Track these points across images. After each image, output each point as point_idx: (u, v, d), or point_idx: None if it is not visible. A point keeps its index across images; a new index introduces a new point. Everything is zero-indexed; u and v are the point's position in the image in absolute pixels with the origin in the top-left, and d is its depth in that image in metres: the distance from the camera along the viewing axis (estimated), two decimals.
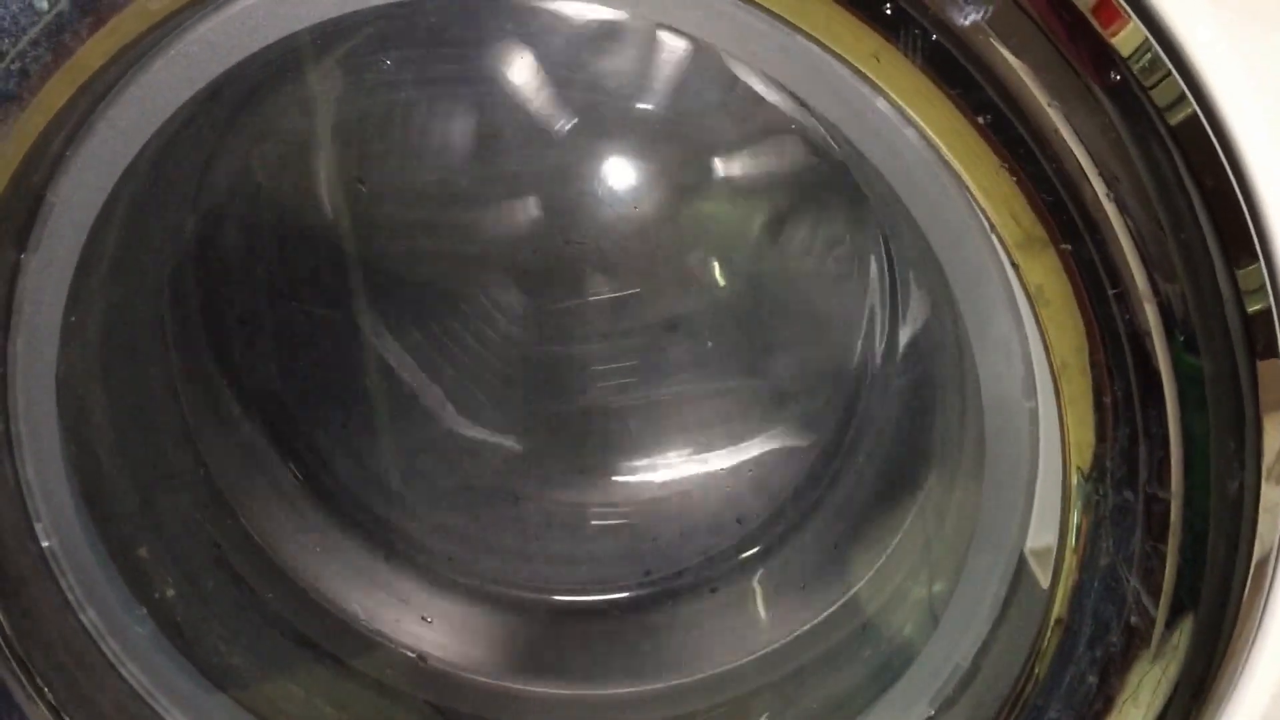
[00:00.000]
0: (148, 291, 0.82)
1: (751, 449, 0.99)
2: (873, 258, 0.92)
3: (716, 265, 0.98)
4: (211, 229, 0.85)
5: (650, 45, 0.84)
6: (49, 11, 0.57)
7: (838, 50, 0.56)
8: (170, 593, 0.80)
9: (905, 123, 0.58)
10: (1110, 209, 0.57)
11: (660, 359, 0.98)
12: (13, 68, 0.58)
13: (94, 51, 0.59)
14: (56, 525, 0.73)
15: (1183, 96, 0.55)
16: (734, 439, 0.99)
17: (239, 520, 0.88)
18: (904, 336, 0.90)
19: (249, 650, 0.84)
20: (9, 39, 0.57)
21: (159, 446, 0.85)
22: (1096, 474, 0.61)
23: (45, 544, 0.73)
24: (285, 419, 0.93)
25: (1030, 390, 0.64)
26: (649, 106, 0.89)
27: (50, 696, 0.71)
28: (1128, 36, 0.55)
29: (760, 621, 0.92)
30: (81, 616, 0.74)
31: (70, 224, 0.66)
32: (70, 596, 0.74)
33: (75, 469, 0.73)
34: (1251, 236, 0.56)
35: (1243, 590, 0.61)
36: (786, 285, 0.96)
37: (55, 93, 0.60)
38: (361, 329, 0.94)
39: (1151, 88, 0.55)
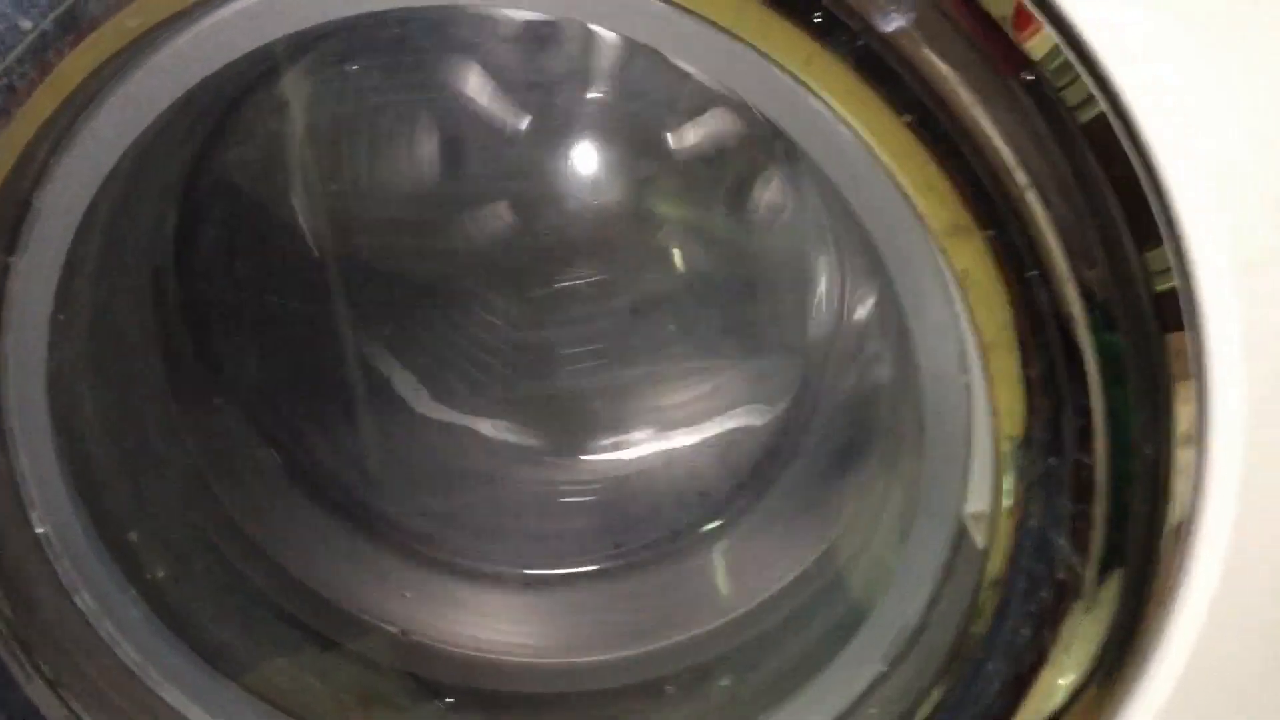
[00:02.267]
0: (131, 289, 0.85)
1: (713, 427, 1.03)
2: (823, 242, 0.96)
3: (676, 249, 1.02)
4: (191, 228, 0.88)
5: (596, 42, 0.87)
6: (33, 31, 0.60)
7: (772, 55, 0.60)
8: (160, 574, 0.83)
9: (838, 120, 0.62)
10: (1030, 197, 0.61)
11: (624, 343, 1.02)
12: (0, 84, 0.62)
13: (75, 67, 0.62)
14: (50, 512, 0.76)
15: (1091, 97, 0.59)
16: (696, 418, 1.03)
17: (223, 505, 0.91)
18: (855, 317, 0.94)
19: (236, 627, 0.87)
20: None
21: (145, 436, 0.88)
22: (1025, 443, 0.64)
23: (40, 530, 0.76)
24: (266, 407, 0.96)
25: (964, 366, 0.67)
26: (600, 96, 0.93)
27: (49, 674, 0.74)
28: (1040, 42, 0.59)
29: (723, 590, 0.96)
30: (76, 599, 0.77)
31: (56, 228, 0.69)
32: (65, 580, 0.77)
33: (66, 459, 0.76)
34: (1157, 222, 0.61)
35: (1163, 547, 0.66)
36: (743, 269, 1.00)
37: (39, 106, 0.63)
38: (337, 321, 0.98)
39: (1063, 88, 0.59)
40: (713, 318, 1.03)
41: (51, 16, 0.60)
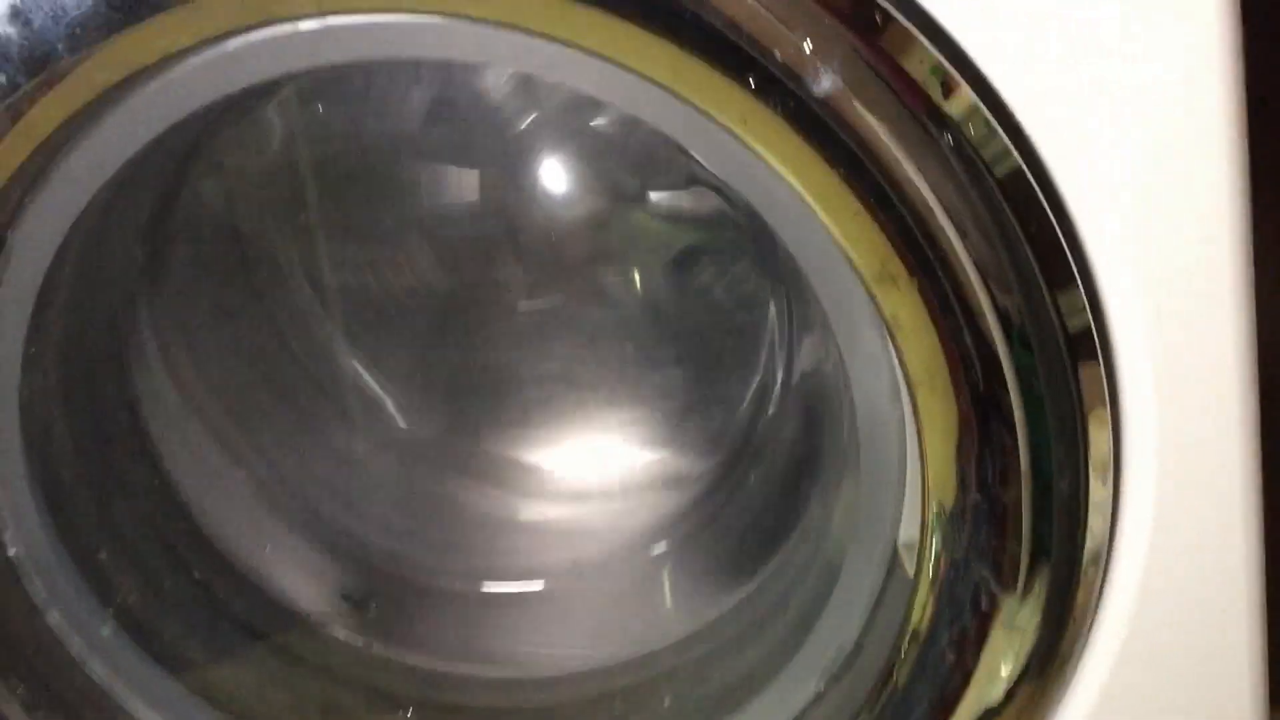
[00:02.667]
0: (102, 319, 0.87)
1: (667, 454, 1.07)
2: (772, 277, 1.00)
3: (634, 280, 1.05)
4: (161, 258, 0.91)
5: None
6: (5, 82, 0.63)
7: (710, 113, 0.63)
8: (128, 591, 0.86)
9: (774, 174, 0.65)
10: (955, 246, 0.64)
11: (583, 369, 1.05)
12: None
13: (46, 116, 0.65)
14: (21, 534, 0.78)
15: (1007, 151, 0.63)
16: (651, 442, 1.07)
17: (194, 522, 0.93)
18: (803, 349, 0.97)
19: (204, 643, 0.89)
20: None
21: (116, 459, 0.90)
22: (951, 478, 0.68)
23: (11, 552, 0.78)
24: (235, 428, 0.98)
25: (896, 399, 0.71)
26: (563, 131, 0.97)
27: (21, 692, 0.78)
28: (959, 100, 0.63)
29: (671, 611, 0.99)
30: (47, 617, 0.80)
31: (29, 263, 0.72)
32: (36, 600, 0.79)
33: (38, 483, 0.79)
34: (1070, 264, 0.65)
35: (1081, 577, 0.69)
36: (698, 299, 1.04)
37: (12, 151, 0.66)
38: (305, 342, 1.01)
39: (980, 145, 0.63)
40: (667, 346, 1.06)
41: (22, 69, 0.63)
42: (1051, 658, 0.71)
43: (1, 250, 0.72)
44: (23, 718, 0.77)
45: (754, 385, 1.03)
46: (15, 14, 0.62)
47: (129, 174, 0.73)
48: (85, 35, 0.62)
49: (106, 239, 0.82)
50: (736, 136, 0.64)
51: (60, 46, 0.62)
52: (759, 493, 1.00)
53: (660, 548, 1.02)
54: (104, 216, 0.78)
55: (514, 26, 0.63)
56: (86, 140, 0.69)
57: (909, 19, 0.63)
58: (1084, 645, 0.72)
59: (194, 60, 0.66)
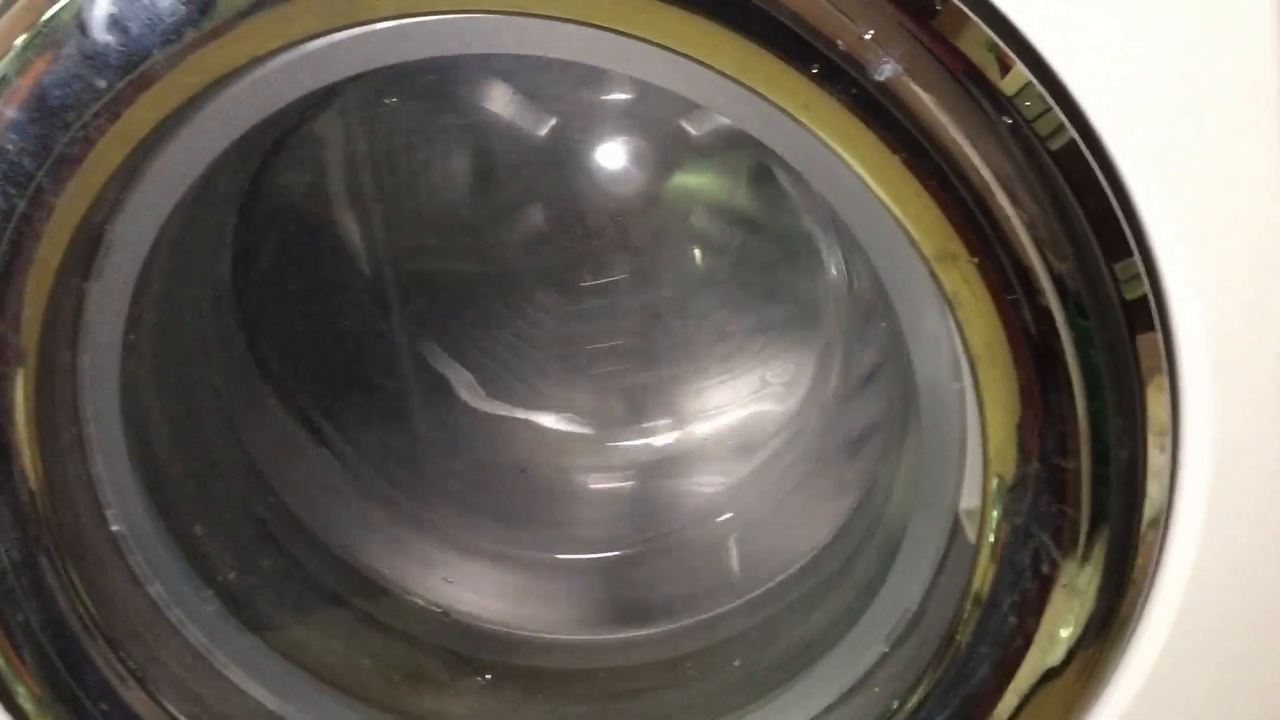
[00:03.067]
0: (192, 307, 0.91)
1: (730, 420, 1.10)
2: (834, 250, 1.02)
3: (697, 248, 1.08)
4: (247, 248, 0.95)
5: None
6: (107, 88, 0.67)
7: (775, 100, 0.65)
8: (222, 564, 0.90)
9: (837, 157, 0.67)
10: (1014, 224, 0.66)
11: (648, 337, 1.08)
12: (78, 135, 0.68)
13: (142, 118, 0.68)
14: (124, 512, 0.82)
15: (1062, 126, 0.65)
16: (715, 411, 1.10)
17: (280, 499, 0.98)
18: (861, 319, 1.00)
19: (293, 611, 0.94)
20: (75, 113, 0.67)
21: (206, 438, 0.95)
22: (1011, 448, 0.70)
23: (115, 528, 0.82)
24: (317, 408, 1.02)
25: (957, 374, 0.73)
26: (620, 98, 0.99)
27: (126, 659, 0.81)
28: (1014, 78, 0.65)
29: (738, 575, 1.02)
30: (149, 589, 0.84)
31: (127, 256, 0.76)
32: (139, 572, 0.83)
33: (137, 462, 0.82)
34: (1126, 235, 0.67)
35: (1139, 543, 0.71)
36: (759, 274, 1.06)
37: (111, 152, 0.69)
38: (381, 326, 1.05)
39: (1034, 120, 0.65)
40: (730, 319, 1.09)
41: (121, 75, 0.66)
42: (1111, 621, 0.73)
43: (101, 245, 0.75)
44: (128, 681, 0.81)
45: (816, 356, 1.06)
46: (114, 22, 0.65)
47: (216, 169, 0.76)
48: (179, 41, 0.65)
49: (196, 231, 0.86)
50: (800, 123, 0.66)
51: (156, 52, 0.66)
52: (822, 460, 1.03)
53: (727, 515, 1.05)
54: (194, 210, 0.81)
55: (584, 22, 0.66)
56: (178, 139, 0.73)
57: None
58: (1142, 609, 0.74)
59: (277, 61, 0.70)
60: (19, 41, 0.67)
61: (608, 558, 1.05)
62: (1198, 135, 0.65)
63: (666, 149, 1.02)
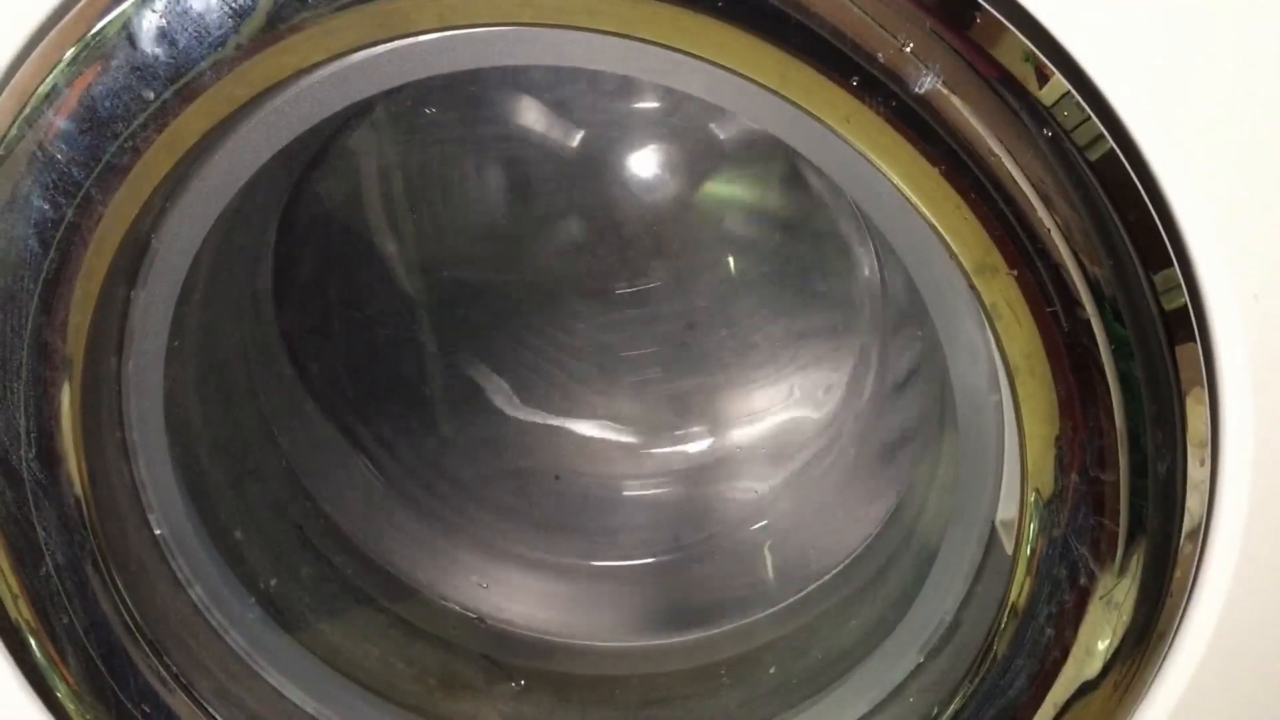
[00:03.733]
0: (233, 314, 0.93)
1: (765, 427, 1.10)
2: (869, 259, 1.02)
3: (730, 257, 1.08)
4: (286, 256, 0.96)
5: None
6: (155, 100, 0.68)
7: (815, 113, 0.66)
8: (262, 569, 0.91)
9: (876, 170, 0.67)
10: (1054, 238, 0.66)
11: (683, 346, 1.09)
12: (126, 145, 0.69)
13: (189, 129, 0.69)
14: (166, 516, 0.83)
15: (1100, 136, 0.65)
16: (749, 419, 1.10)
17: (317, 504, 0.99)
18: (896, 326, 1.00)
19: (330, 616, 0.94)
20: (123, 123, 0.68)
21: (246, 445, 0.96)
22: (1049, 460, 0.70)
23: (158, 532, 0.83)
24: (354, 415, 1.03)
25: (995, 385, 0.73)
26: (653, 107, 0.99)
27: (168, 662, 0.82)
28: (1052, 88, 0.65)
29: (773, 582, 1.02)
30: (190, 592, 0.85)
31: (171, 265, 0.77)
32: (180, 576, 0.84)
33: (179, 467, 0.84)
34: (1166, 245, 0.66)
35: (1177, 556, 0.71)
36: (793, 282, 1.06)
37: (158, 162, 0.70)
38: (418, 332, 1.05)
39: (1073, 130, 0.65)
40: (767, 320, 1.09)
41: (169, 87, 0.67)
42: (1148, 634, 0.72)
43: (146, 253, 0.76)
44: (169, 684, 0.82)
45: (851, 363, 1.06)
46: (162, 35, 0.66)
47: (259, 179, 0.77)
48: (225, 54, 0.66)
49: (238, 240, 0.87)
50: (840, 135, 0.66)
51: (203, 64, 0.67)
52: (858, 468, 1.03)
53: (762, 522, 1.05)
54: (236, 219, 0.82)
55: (626, 35, 0.66)
56: (223, 149, 0.74)
57: (1000, 10, 0.65)
58: (1180, 622, 0.73)
59: (321, 73, 0.70)
60: (69, 53, 0.68)
61: (643, 564, 1.06)
62: (1238, 144, 0.65)
63: (699, 156, 1.03)
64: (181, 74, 0.67)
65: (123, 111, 0.68)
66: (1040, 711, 0.74)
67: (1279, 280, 0.67)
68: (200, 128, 0.69)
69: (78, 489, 0.77)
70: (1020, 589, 0.73)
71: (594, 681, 0.99)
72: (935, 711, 0.78)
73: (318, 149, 0.91)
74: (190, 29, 0.66)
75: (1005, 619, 0.74)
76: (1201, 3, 0.63)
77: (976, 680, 0.77)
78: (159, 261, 0.77)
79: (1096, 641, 0.73)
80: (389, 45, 0.69)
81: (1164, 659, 0.74)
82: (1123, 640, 0.72)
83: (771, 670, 0.93)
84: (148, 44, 0.67)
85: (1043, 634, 0.73)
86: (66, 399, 0.75)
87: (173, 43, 0.66)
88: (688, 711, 0.95)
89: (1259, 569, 0.72)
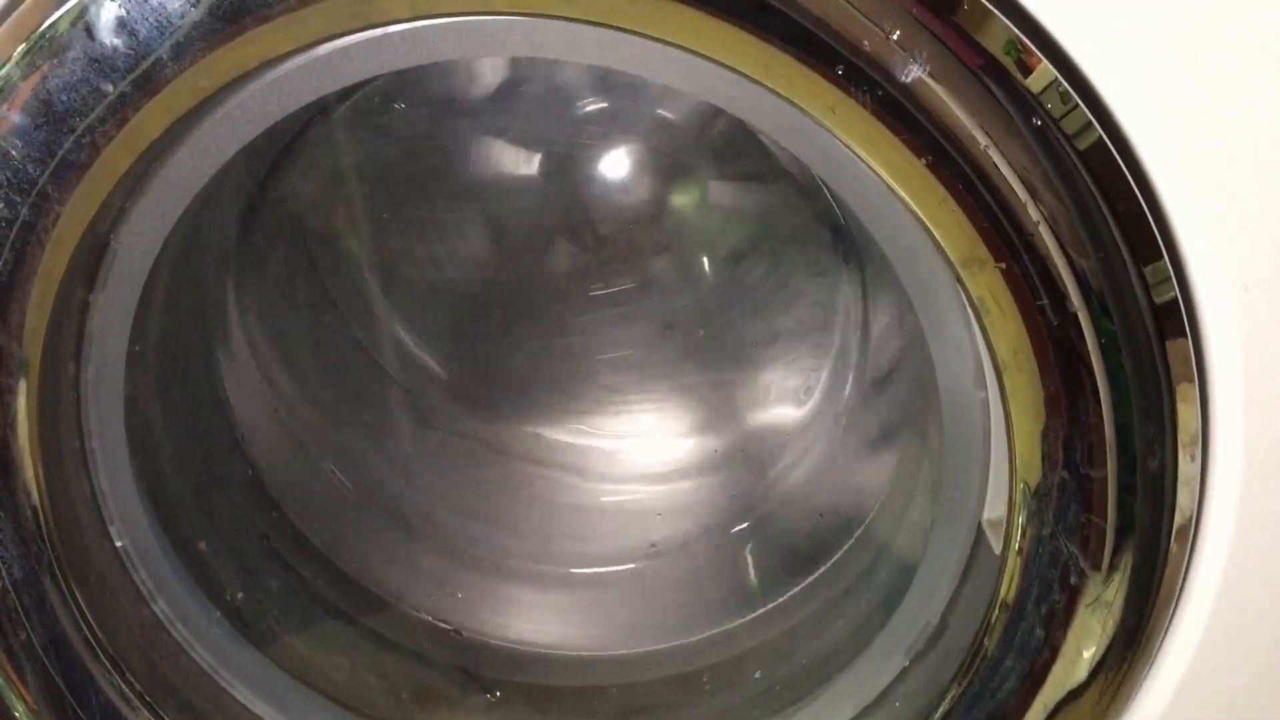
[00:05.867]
0: (196, 318, 0.90)
1: (743, 432, 1.08)
2: (847, 256, 1.01)
3: (705, 259, 1.07)
4: (249, 258, 0.93)
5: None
6: (113, 93, 0.65)
7: (799, 104, 0.64)
8: (227, 581, 0.88)
9: (861, 162, 0.66)
10: (1042, 231, 0.65)
11: (658, 350, 1.07)
12: (83, 140, 0.66)
13: (150, 123, 0.66)
14: (127, 527, 0.81)
15: (1089, 124, 0.63)
16: (727, 421, 1.08)
17: (284, 513, 0.96)
18: (876, 327, 0.98)
19: (299, 628, 0.92)
20: (80, 117, 0.66)
21: (211, 452, 0.93)
22: (1037, 457, 0.69)
23: (119, 544, 0.81)
24: (322, 422, 1.01)
25: (981, 382, 0.72)
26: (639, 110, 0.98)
27: (131, 679, 0.80)
28: (1039, 76, 0.63)
29: (754, 587, 1.01)
30: (153, 606, 0.82)
31: (131, 266, 0.74)
32: (143, 589, 0.82)
33: (141, 477, 0.81)
34: (1156, 237, 0.65)
35: (1167, 552, 0.70)
36: (769, 281, 1.05)
37: (118, 158, 0.67)
38: (388, 336, 1.03)
39: (1060, 119, 0.63)
40: (742, 325, 1.07)
41: (129, 79, 0.65)
42: (1138, 633, 0.71)
43: (105, 253, 0.74)
44: (132, 701, 0.79)
45: (830, 362, 1.05)
46: (121, 25, 0.64)
47: (222, 176, 0.75)
48: (189, 45, 0.64)
49: (200, 240, 0.85)
50: (824, 126, 0.65)
51: (165, 56, 0.64)
52: (839, 469, 1.01)
53: (741, 525, 1.04)
54: (198, 218, 0.80)
55: (602, 24, 0.64)
56: (186, 145, 0.71)
57: None
58: (1170, 622, 0.72)
59: (289, 64, 0.68)
60: (24, 45, 0.65)
61: (621, 570, 1.04)
62: (1228, 133, 0.64)
63: (675, 155, 1.01)
64: (142, 66, 0.64)
65: (80, 105, 0.65)
66: (1029, 713, 0.73)
67: (1271, 271, 0.66)
68: (162, 122, 0.67)
69: (35, 499, 0.74)
70: (1009, 585, 0.72)
71: (572, 692, 0.97)
72: (922, 716, 0.77)
73: (282, 145, 0.88)
74: (151, 19, 0.64)
75: (996, 615, 0.73)
76: None
77: (965, 682, 0.75)
78: (119, 263, 0.74)
79: (1086, 641, 0.72)
80: (359, 35, 0.67)
81: (1154, 661, 0.73)
82: (1113, 639, 0.71)
83: (755, 676, 0.91)
84: (106, 35, 0.64)
85: (1032, 634, 0.72)
86: (23, 405, 0.72)
87: (132, 33, 0.64)
88: None
89: (1250, 566, 0.71)
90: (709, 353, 1.08)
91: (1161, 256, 0.66)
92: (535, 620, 1.00)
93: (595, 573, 1.04)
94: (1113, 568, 0.70)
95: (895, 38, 0.62)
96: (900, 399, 0.92)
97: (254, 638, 0.87)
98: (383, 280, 1.02)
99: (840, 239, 1.01)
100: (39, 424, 0.73)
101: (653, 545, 1.05)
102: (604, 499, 1.08)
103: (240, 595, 0.89)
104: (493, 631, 0.98)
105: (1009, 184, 0.64)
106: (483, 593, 1.02)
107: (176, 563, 0.84)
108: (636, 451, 1.10)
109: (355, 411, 1.04)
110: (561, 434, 1.09)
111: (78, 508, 0.78)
